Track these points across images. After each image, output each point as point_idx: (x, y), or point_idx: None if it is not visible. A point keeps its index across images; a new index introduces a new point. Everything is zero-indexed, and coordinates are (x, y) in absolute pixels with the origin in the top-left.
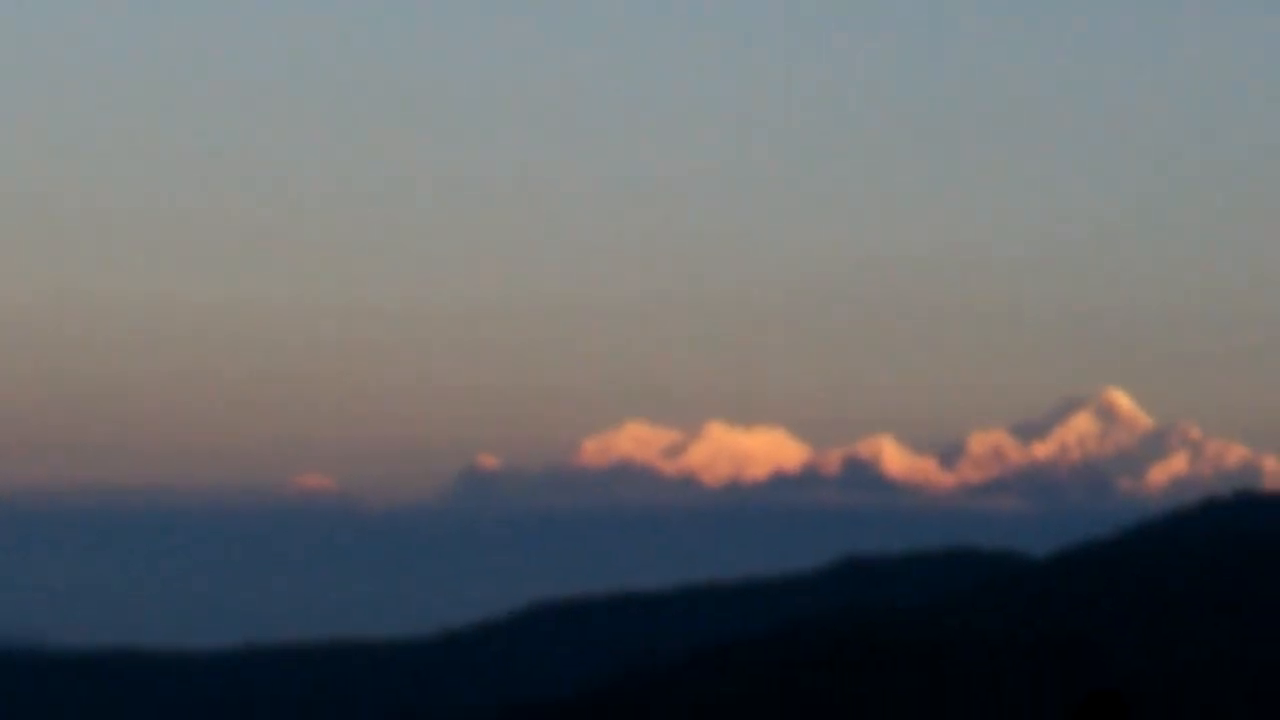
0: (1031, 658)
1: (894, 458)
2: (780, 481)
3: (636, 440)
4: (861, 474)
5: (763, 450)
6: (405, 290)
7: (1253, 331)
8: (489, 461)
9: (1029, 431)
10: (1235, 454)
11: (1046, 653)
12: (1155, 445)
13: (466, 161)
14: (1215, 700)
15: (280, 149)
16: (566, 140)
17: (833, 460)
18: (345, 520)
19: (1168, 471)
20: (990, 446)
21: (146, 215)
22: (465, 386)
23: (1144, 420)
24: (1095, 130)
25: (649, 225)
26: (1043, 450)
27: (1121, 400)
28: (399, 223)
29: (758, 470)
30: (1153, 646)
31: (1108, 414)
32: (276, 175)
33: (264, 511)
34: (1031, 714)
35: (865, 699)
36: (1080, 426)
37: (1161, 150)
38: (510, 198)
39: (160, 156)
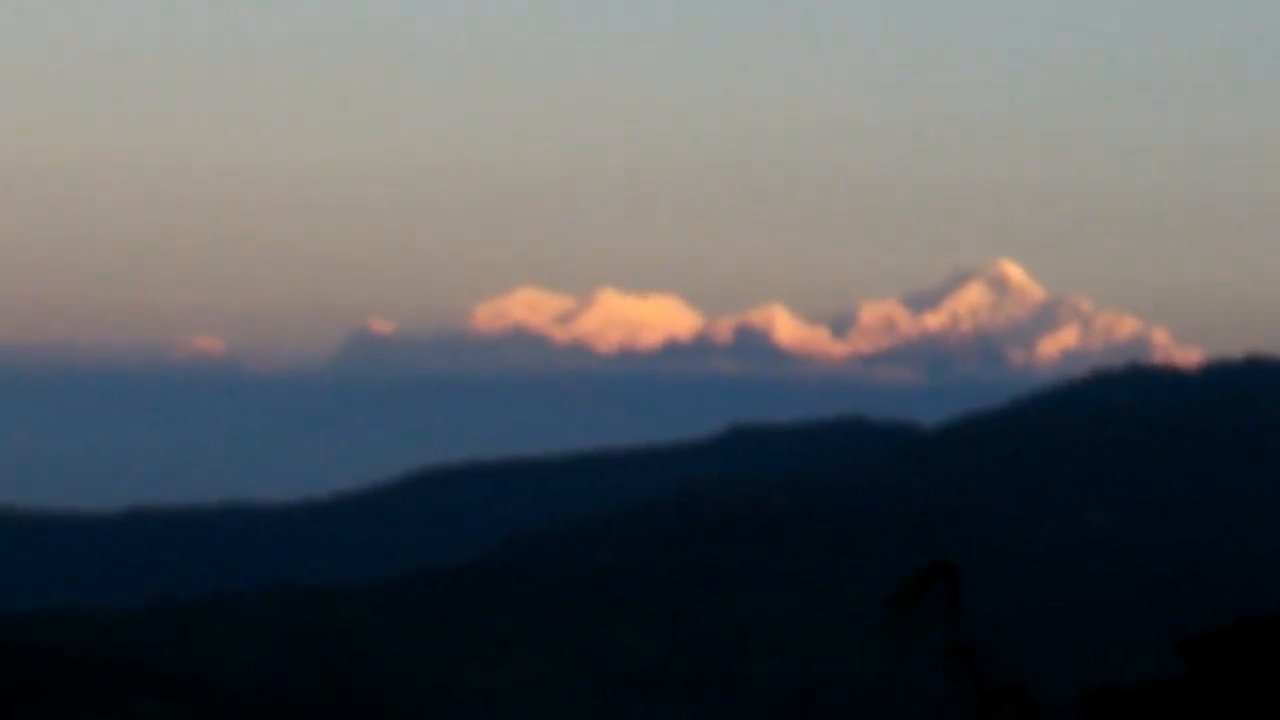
0: (920, 526)
1: (785, 327)
2: (672, 349)
3: (529, 306)
4: (753, 343)
5: (654, 318)
6: (300, 153)
7: (1144, 205)
8: (381, 325)
9: (920, 302)
10: (1126, 326)
11: (938, 521)
12: (1046, 317)
13: (361, 26)
14: (1100, 570)
15: (169, 10)
16: (465, 8)
17: (724, 328)
18: (235, 383)
19: (1058, 343)
20: (882, 316)
21: (32, 77)
22: (358, 250)
23: (1036, 291)
24: (990, 6)
25: (545, 94)
26: (934, 321)
27: (1013, 271)
28: (293, 85)
29: (649, 338)
30: (1043, 517)
31: (1000, 285)
32: (168, 36)
33: (153, 373)
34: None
35: (754, 565)
36: (972, 297)
37: (1054, 24)
38: (407, 64)
39: (45, 22)
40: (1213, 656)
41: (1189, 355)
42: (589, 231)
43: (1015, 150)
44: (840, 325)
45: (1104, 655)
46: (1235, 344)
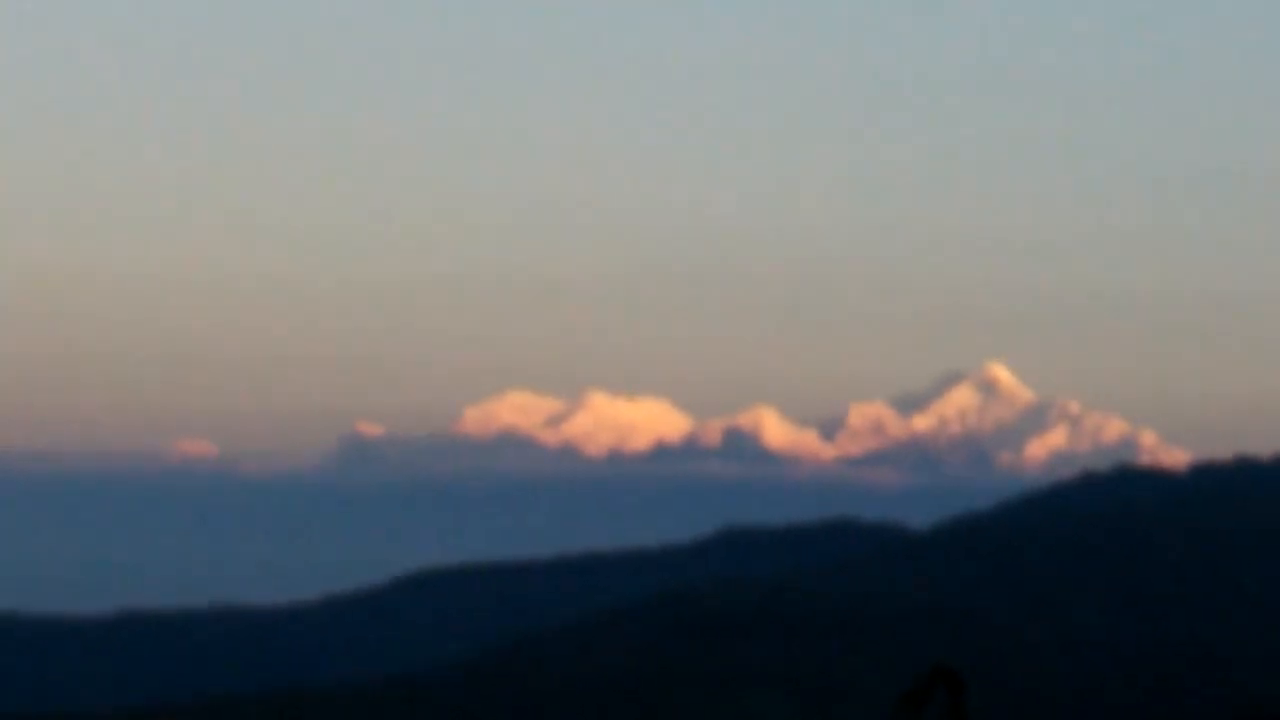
0: (913, 629)
1: (775, 429)
2: (662, 452)
3: (518, 409)
4: (743, 445)
5: (644, 420)
6: (286, 258)
7: (1132, 307)
8: (370, 429)
9: (909, 404)
10: (1114, 428)
11: (927, 624)
12: (1035, 419)
13: (340, 130)
14: (1089, 672)
15: (132, 117)
16: (440, 111)
17: (714, 431)
18: (227, 486)
19: (1047, 445)
20: (871, 418)
21: (9, 182)
22: (347, 354)
23: (1024, 394)
24: (970, 104)
25: (530, 197)
26: (923, 423)
27: (1002, 374)
28: (276, 194)
29: (639, 440)
30: (1032, 619)
31: (988, 387)
32: (153, 139)
33: (146, 476)
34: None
35: (746, 668)
36: (961, 399)
37: (1034, 125)
38: (390, 168)
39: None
40: None
41: (1177, 456)
42: (578, 334)
43: (1003, 253)
44: (829, 428)
45: None
46: (1223, 445)
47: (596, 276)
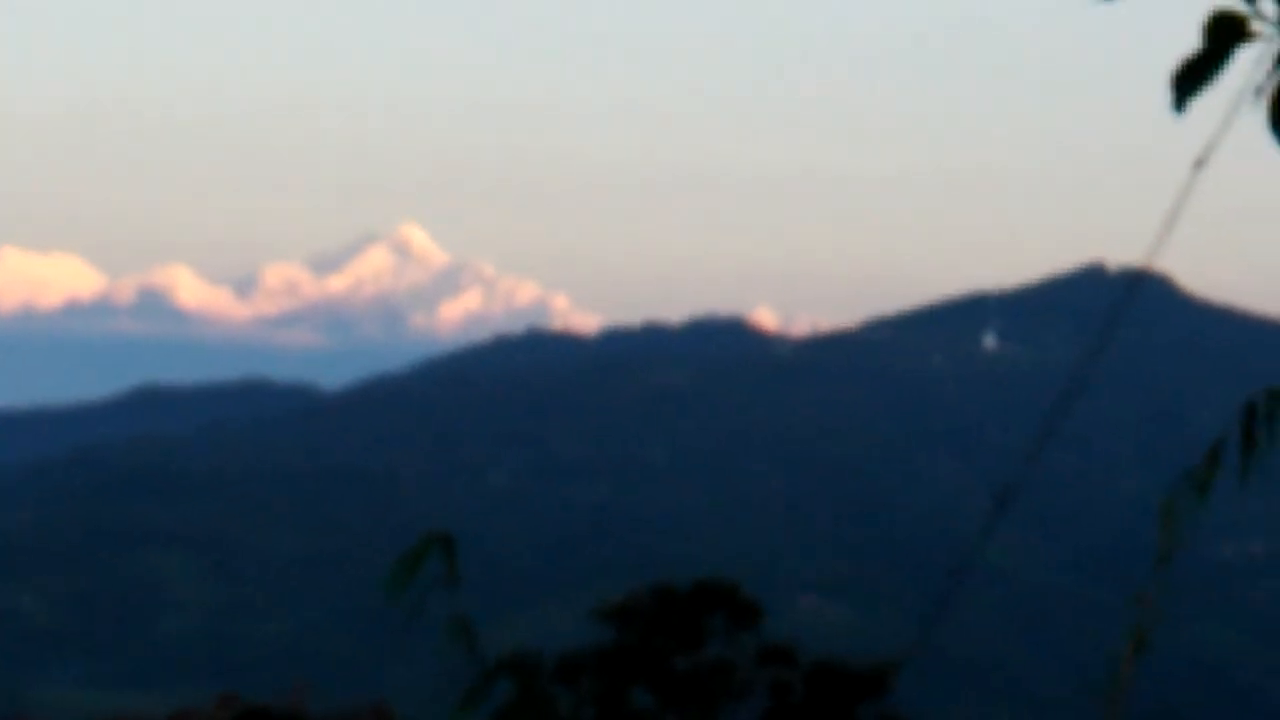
0: (324, 489)
1: (189, 287)
2: (74, 309)
3: None
4: (156, 303)
5: (56, 277)
6: None
7: (544, 171)
8: None
9: (324, 264)
10: (526, 291)
11: (339, 485)
12: (449, 281)
13: None
14: (501, 533)
15: None
16: None
17: (127, 289)
18: None
19: (460, 308)
20: (285, 279)
21: None
22: None
23: (438, 256)
24: None
25: None
26: (337, 283)
27: (416, 235)
28: None
29: (51, 297)
30: (445, 481)
31: (402, 248)
32: None
33: None
34: (331, 543)
35: (157, 526)
36: (375, 261)
37: None
38: None
39: None
40: (630, 622)
41: (588, 320)
42: None
43: (417, 114)
44: (243, 287)
45: (516, 616)
46: (632, 311)
47: (5, 127)
